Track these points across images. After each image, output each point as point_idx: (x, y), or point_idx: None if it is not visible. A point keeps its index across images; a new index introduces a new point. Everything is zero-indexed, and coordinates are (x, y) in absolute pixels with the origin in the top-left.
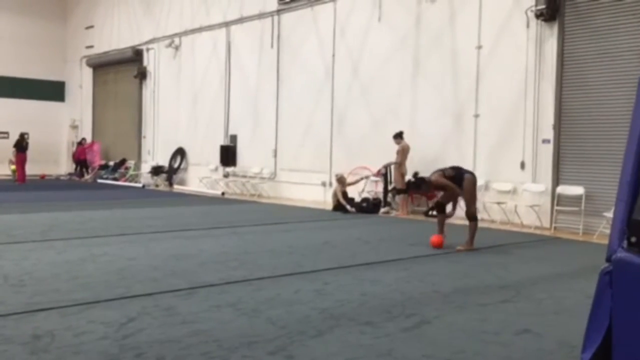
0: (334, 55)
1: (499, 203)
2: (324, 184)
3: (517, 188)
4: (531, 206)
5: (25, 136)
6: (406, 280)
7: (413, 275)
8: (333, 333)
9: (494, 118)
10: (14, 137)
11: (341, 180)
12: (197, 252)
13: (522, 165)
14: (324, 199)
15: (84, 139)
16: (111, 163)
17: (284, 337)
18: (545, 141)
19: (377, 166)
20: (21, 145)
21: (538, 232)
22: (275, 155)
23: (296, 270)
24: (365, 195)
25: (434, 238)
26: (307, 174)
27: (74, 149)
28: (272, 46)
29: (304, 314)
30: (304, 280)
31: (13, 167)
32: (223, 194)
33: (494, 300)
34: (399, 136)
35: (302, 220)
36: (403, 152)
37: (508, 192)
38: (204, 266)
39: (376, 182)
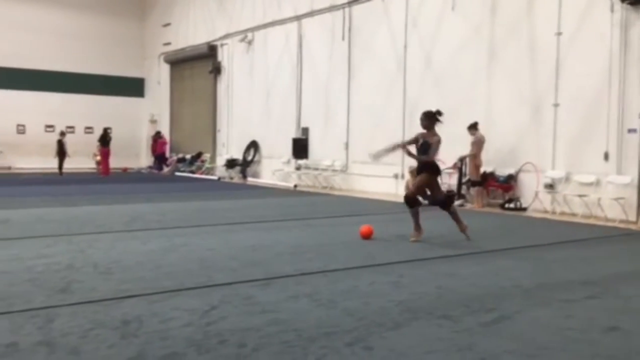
0: (405, 46)
1: (580, 196)
2: (395, 176)
3: (600, 180)
4: (616, 199)
5: (109, 131)
6: (483, 274)
7: (490, 270)
8: (411, 326)
9: (575, 107)
10: (98, 132)
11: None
12: (273, 244)
13: (606, 156)
14: (395, 191)
15: (158, 132)
16: (188, 156)
17: (362, 329)
18: (631, 131)
19: (450, 158)
20: (105, 140)
21: (623, 225)
22: (346, 148)
23: (370, 262)
24: None
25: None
26: (378, 166)
27: (151, 143)
28: (343, 39)
29: (380, 306)
30: (378, 273)
31: (98, 158)
32: (295, 186)
33: (578, 297)
34: (473, 127)
35: (374, 212)
36: (478, 144)
37: (590, 184)
38: (279, 257)
39: (450, 174)
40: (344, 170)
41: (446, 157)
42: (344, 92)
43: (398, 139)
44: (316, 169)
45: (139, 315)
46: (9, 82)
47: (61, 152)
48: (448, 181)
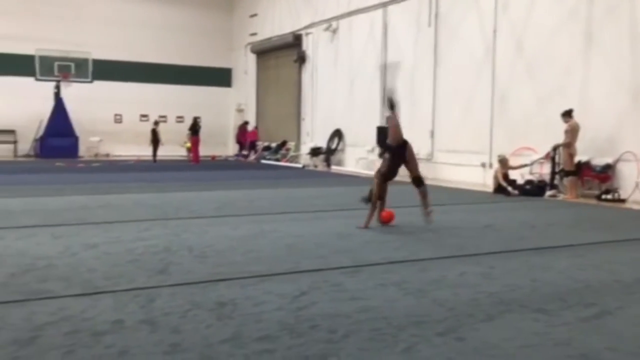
0: (495, 31)
1: None
2: (483, 165)
3: None
4: None
5: (198, 120)
6: (580, 267)
7: (588, 263)
8: (504, 318)
9: None
10: (188, 121)
11: (503, 162)
12: (359, 231)
13: None
14: (483, 180)
15: (246, 122)
16: (273, 145)
17: (453, 319)
18: None
19: (542, 147)
20: (195, 129)
21: None
22: (432, 136)
23: (459, 252)
24: (529, 177)
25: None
26: (465, 155)
27: (236, 132)
28: (429, 25)
29: (471, 297)
30: (468, 264)
31: (188, 145)
32: None
33: None
34: (567, 114)
35: (461, 202)
36: (572, 132)
37: None
38: (366, 245)
39: (541, 163)
40: (429, 158)
41: (539, 145)
42: (429, 80)
43: (486, 127)
44: None
45: (233, 298)
46: (108, 74)
47: (155, 141)
48: (539, 171)
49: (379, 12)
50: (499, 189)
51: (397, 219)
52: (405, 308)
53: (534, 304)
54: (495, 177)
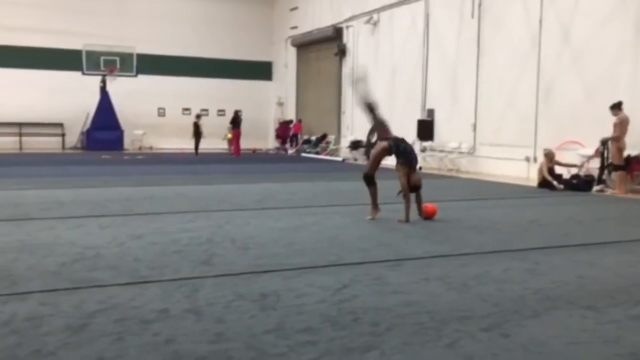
0: (541, 21)
1: None
2: (527, 159)
3: None
4: None
5: (239, 113)
6: (630, 264)
7: (637, 259)
8: (551, 315)
9: None
10: (229, 114)
11: (549, 156)
12: (400, 225)
13: None
14: (527, 175)
15: (290, 120)
16: (313, 138)
17: (497, 315)
18: None
19: (589, 140)
20: (236, 122)
21: None
22: (474, 130)
23: (503, 247)
24: (574, 171)
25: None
26: (509, 149)
27: (277, 126)
28: (472, 16)
29: (516, 293)
30: (512, 259)
31: (229, 136)
32: (420, 168)
33: None
34: (617, 107)
35: (505, 196)
36: (621, 125)
37: None
38: (408, 239)
39: (590, 158)
40: (472, 152)
41: (586, 139)
42: (472, 72)
43: (531, 120)
44: (442, 151)
45: (275, 289)
46: (151, 68)
47: (197, 134)
48: (587, 165)
49: (421, 3)
50: (544, 184)
51: (440, 212)
52: (449, 303)
53: (582, 300)
54: (540, 171)
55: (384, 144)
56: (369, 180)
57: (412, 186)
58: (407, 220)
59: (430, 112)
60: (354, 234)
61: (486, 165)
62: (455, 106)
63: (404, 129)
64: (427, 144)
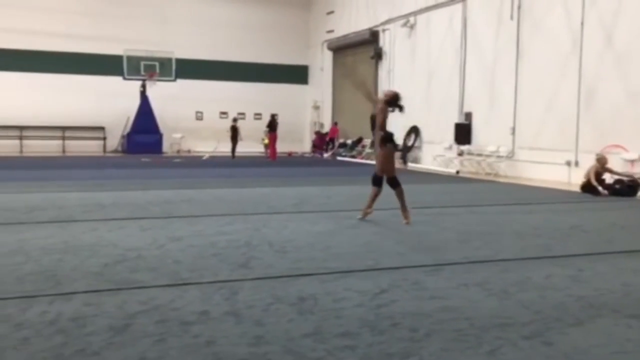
0: (582, 23)
1: None
2: (568, 164)
3: None
4: None
5: (276, 117)
6: None
7: None
8: (595, 323)
9: None
10: (266, 118)
11: (601, 161)
12: (439, 230)
13: None
14: (568, 179)
15: (320, 131)
16: (349, 141)
17: (539, 323)
18: None
19: (633, 144)
20: (272, 125)
21: None
22: (513, 133)
23: (544, 254)
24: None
25: None
26: (549, 153)
27: (314, 137)
28: (511, 18)
29: (558, 301)
30: (554, 265)
31: (266, 141)
32: (457, 172)
33: None
34: None
35: (545, 201)
36: None
37: None
38: (446, 244)
39: (632, 161)
40: (510, 156)
41: (629, 143)
42: (511, 74)
43: (572, 123)
44: (480, 154)
45: (313, 293)
46: (190, 73)
47: (234, 137)
48: (630, 169)
49: (458, 6)
50: (588, 188)
51: (479, 217)
52: (489, 309)
53: (627, 309)
54: (588, 174)
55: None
56: (378, 181)
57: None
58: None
59: (468, 116)
60: (391, 239)
61: (525, 170)
62: (494, 109)
63: (441, 132)
64: (464, 147)
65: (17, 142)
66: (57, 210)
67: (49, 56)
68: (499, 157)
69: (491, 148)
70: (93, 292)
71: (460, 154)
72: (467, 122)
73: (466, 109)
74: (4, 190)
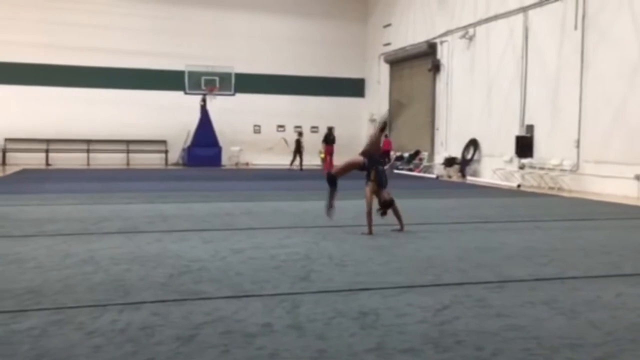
0: None
1: None
2: (638, 178)
3: None
4: None
5: (332, 130)
6: None
7: None
8: None
9: None
10: (322, 131)
11: None
12: (500, 245)
13: None
14: (638, 194)
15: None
16: (406, 154)
17: (612, 344)
18: None
19: None
20: (329, 138)
21: None
22: (577, 146)
23: (614, 272)
24: None
25: None
26: (616, 166)
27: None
28: (575, 28)
29: (632, 321)
30: (625, 284)
31: (322, 155)
32: (519, 186)
33: None
34: None
35: (612, 217)
36: None
37: None
38: (510, 260)
39: None
40: (574, 170)
41: None
42: (575, 85)
43: None
44: (542, 168)
45: (375, 307)
46: (248, 87)
47: (299, 150)
48: None
49: (519, 17)
50: None
51: (543, 233)
52: (557, 329)
53: None
54: None
55: (360, 159)
56: (333, 180)
57: (385, 202)
58: (370, 232)
59: (529, 128)
60: (452, 254)
61: (591, 184)
62: (557, 121)
63: (501, 145)
64: (525, 160)
65: (84, 155)
66: (123, 222)
67: (114, 72)
68: (562, 170)
69: (554, 161)
70: (160, 302)
71: (522, 167)
72: (528, 135)
73: (527, 121)
74: (74, 201)
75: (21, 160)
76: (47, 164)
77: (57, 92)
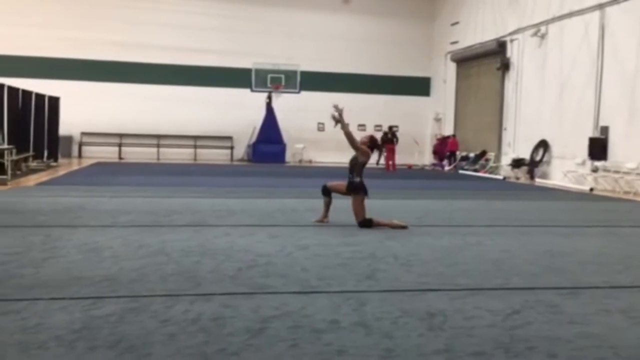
0: None
1: None
2: None
3: None
4: None
5: (394, 129)
6: None
7: None
8: None
9: None
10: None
11: None
12: (572, 251)
13: None
14: None
15: (449, 136)
16: (471, 155)
17: None
18: None
19: None
20: (387, 138)
21: None
22: None
23: None
24: None
25: None
26: None
27: (435, 142)
28: None
29: None
30: None
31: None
32: (591, 189)
33: None
34: None
35: None
36: None
37: None
38: (583, 266)
39: None
40: None
41: None
42: None
43: None
44: (617, 171)
45: (442, 309)
46: (313, 85)
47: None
48: None
49: (595, 14)
50: None
51: (618, 239)
52: (635, 339)
53: None
54: None
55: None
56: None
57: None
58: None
59: (604, 130)
60: (522, 258)
61: None
62: (634, 124)
63: (573, 147)
64: (599, 163)
65: (154, 149)
66: (192, 215)
67: (183, 70)
68: (639, 174)
69: (630, 165)
70: (229, 295)
71: (595, 170)
72: (603, 137)
73: (602, 123)
74: (146, 194)
75: (96, 153)
76: (120, 157)
77: (129, 88)
